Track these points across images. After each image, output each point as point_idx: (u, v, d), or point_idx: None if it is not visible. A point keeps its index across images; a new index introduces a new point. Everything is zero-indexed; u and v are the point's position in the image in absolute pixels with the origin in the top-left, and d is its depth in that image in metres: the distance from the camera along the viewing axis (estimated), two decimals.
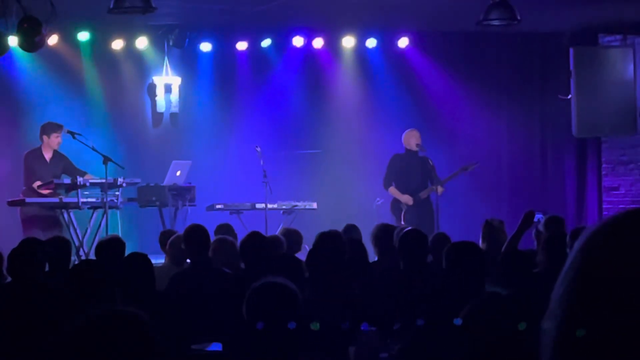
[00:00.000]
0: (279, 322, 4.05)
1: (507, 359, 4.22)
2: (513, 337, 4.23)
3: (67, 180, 11.83)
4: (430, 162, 12.75)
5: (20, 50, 11.97)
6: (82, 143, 11.91)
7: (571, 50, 13.65)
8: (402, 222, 12.11)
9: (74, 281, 5.77)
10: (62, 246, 7.93)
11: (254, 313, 4.16)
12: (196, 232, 7.63)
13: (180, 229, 11.01)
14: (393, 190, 12.80)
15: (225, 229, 9.22)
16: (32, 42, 10.83)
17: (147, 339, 2.94)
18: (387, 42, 14.92)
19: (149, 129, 14.38)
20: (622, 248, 1.41)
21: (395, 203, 12.83)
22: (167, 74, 14.32)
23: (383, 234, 8.33)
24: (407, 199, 12.68)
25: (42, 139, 12.22)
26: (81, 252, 11.71)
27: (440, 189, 12.59)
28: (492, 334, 4.26)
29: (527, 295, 5.51)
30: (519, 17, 11.33)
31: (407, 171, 12.79)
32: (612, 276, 1.39)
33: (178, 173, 12.57)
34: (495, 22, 11.35)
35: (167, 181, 12.53)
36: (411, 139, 12.90)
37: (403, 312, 6.14)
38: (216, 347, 6.12)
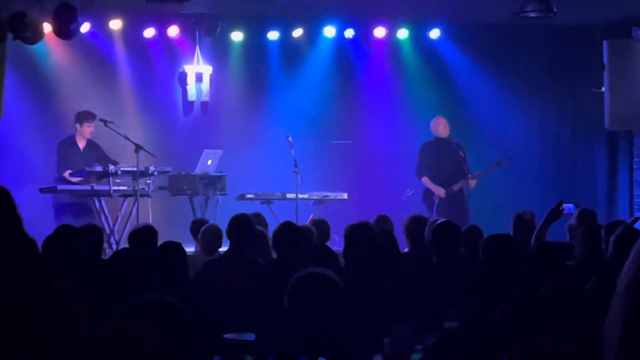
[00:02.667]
0: (322, 312, 4.04)
1: (546, 353, 4.19)
2: (552, 331, 4.20)
3: (98, 168, 11.86)
4: (462, 152, 12.75)
5: (54, 38, 12.03)
6: (114, 131, 11.96)
7: (605, 43, 13.55)
8: (434, 214, 12.10)
9: (110, 269, 5.78)
10: (95, 234, 7.95)
11: (296, 303, 4.14)
12: (242, 223, 7.62)
13: (211, 218, 11.03)
14: (426, 181, 12.82)
15: (256, 218, 9.22)
16: (68, 29, 10.86)
17: (185, 326, 2.95)
18: (418, 33, 14.87)
19: (180, 118, 14.40)
20: None
21: (428, 194, 12.84)
22: (198, 62, 14.33)
23: (415, 225, 8.30)
24: (440, 191, 12.68)
25: (75, 127, 12.28)
26: (112, 240, 11.75)
27: (473, 182, 12.62)
28: (529, 330, 4.23)
29: (564, 288, 5.48)
30: (555, 10, 11.26)
31: (438, 159, 12.80)
32: None
33: (209, 162, 12.59)
34: (532, 14, 11.29)
35: (198, 170, 12.56)
36: (438, 127, 12.95)
37: (437, 305, 6.12)
38: (249, 336, 6.12)
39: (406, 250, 8.50)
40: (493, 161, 13.06)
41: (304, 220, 11.13)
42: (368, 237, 6.95)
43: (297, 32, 14.47)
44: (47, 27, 11.80)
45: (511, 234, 8.83)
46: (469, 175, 12.69)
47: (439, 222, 7.56)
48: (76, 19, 10.76)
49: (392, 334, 5.28)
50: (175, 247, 6.53)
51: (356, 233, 6.96)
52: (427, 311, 6.11)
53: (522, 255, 5.90)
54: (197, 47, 14.28)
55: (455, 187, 12.71)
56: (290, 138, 12.82)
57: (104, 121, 11.98)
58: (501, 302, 4.24)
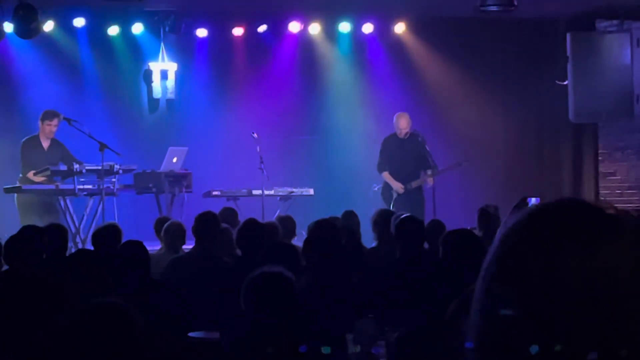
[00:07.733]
0: (276, 311, 4.04)
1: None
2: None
3: (63, 167, 11.80)
4: (427, 146, 12.73)
5: (16, 37, 11.96)
6: (79, 130, 11.88)
7: (568, 36, 13.61)
8: (392, 209, 12.13)
9: (71, 270, 5.75)
10: (59, 233, 7.91)
11: (251, 303, 4.15)
12: (208, 220, 7.63)
13: (176, 216, 11.01)
14: (387, 176, 12.84)
15: (228, 212, 9.23)
16: (28, 29, 10.80)
17: (131, 329, 2.94)
18: (383, 28, 14.89)
19: (146, 116, 14.35)
20: (537, 240, 1.46)
21: (387, 188, 12.86)
22: (163, 60, 14.29)
23: (382, 219, 8.32)
24: (398, 187, 12.70)
25: (39, 125, 12.20)
26: (78, 239, 11.69)
27: (431, 180, 12.62)
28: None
29: None
30: (516, 3, 11.32)
31: (399, 154, 12.80)
32: (527, 266, 1.44)
33: (174, 159, 12.55)
34: (493, 8, 11.35)
35: (163, 168, 12.51)
36: (399, 122, 12.95)
37: (400, 300, 6.14)
38: (214, 335, 6.11)
39: (373, 244, 8.51)
40: (453, 162, 13.07)
41: (271, 216, 11.11)
42: (332, 233, 6.95)
43: (262, 28, 14.44)
44: (8, 27, 11.72)
45: (476, 227, 8.89)
46: (428, 172, 12.70)
47: (402, 217, 7.59)
48: (36, 18, 10.69)
49: (355, 329, 5.29)
50: (136, 246, 6.51)
51: (319, 230, 6.96)
52: (390, 306, 6.13)
53: (483, 249, 5.91)
54: (162, 44, 14.23)
55: (414, 184, 12.74)
56: (255, 134, 12.81)
57: (68, 120, 11.90)
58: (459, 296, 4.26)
